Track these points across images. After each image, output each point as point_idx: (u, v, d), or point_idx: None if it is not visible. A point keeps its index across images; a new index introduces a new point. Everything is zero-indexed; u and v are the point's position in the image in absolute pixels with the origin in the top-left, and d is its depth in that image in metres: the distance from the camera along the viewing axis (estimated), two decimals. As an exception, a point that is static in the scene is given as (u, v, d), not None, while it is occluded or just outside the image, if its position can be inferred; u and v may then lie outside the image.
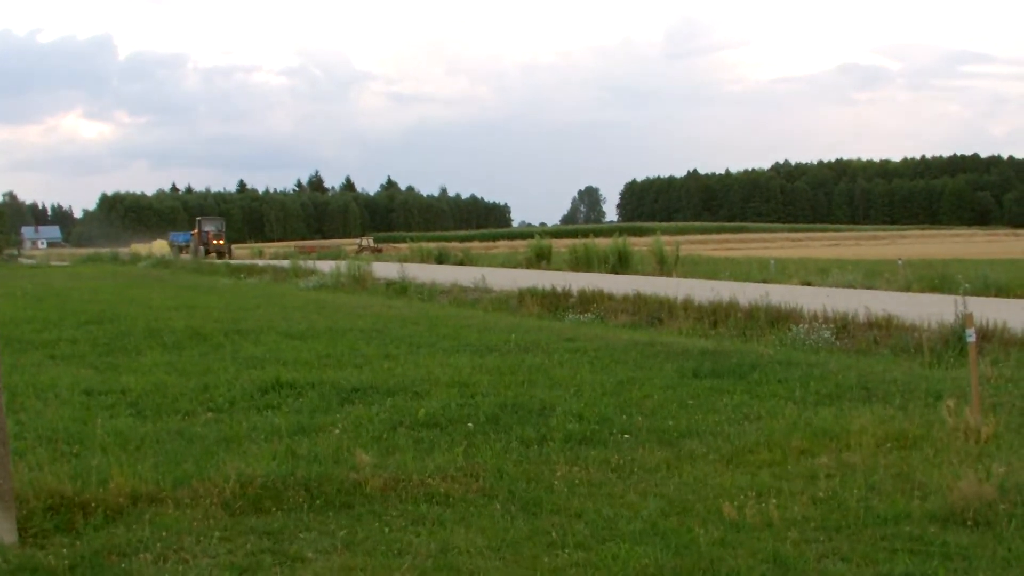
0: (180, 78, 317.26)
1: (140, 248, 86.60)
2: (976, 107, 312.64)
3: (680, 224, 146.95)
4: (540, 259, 40.62)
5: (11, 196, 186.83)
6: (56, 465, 7.17)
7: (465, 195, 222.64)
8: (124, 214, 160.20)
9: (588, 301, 20.28)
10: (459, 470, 7.30)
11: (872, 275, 26.58)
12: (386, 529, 6.14)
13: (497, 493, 6.87)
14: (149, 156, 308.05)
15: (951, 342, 12.86)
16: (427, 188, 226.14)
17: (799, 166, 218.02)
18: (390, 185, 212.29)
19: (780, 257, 43.41)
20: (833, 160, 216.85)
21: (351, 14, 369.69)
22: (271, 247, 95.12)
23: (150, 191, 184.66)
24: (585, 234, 75.85)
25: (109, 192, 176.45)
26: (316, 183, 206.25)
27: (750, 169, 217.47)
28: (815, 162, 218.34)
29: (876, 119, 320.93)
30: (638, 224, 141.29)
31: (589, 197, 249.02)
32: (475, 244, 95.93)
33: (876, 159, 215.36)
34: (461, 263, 46.35)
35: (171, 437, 8.49)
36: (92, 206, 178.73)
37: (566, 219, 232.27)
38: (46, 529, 6.10)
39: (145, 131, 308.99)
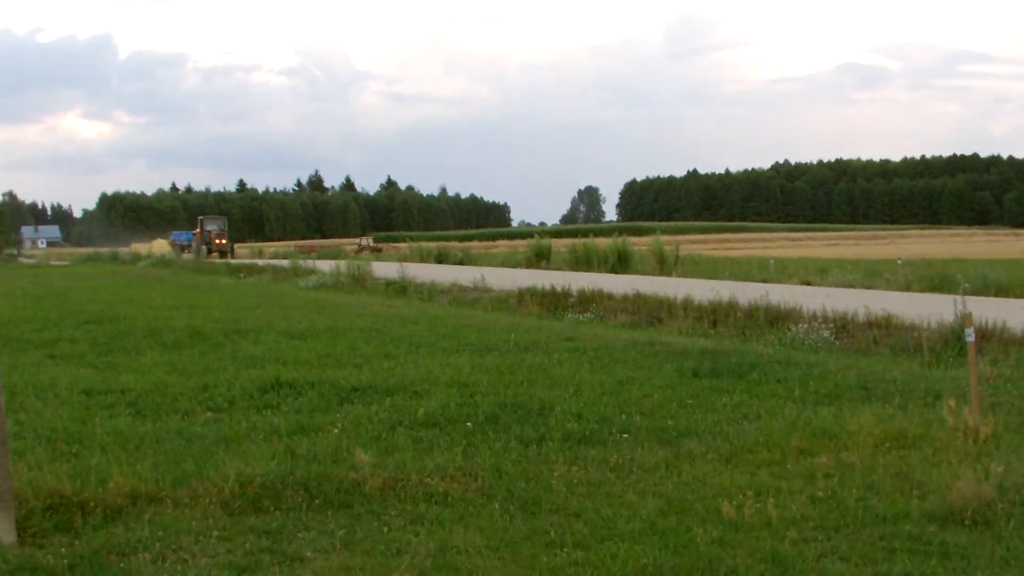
0: (180, 78, 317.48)
1: (140, 248, 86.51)
2: (976, 107, 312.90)
3: (680, 224, 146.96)
4: (540, 259, 40.59)
5: (11, 196, 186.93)
6: (55, 465, 7.17)
7: (465, 195, 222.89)
8: (124, 214, 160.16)
9: (588, 301, 20.28)
10: (458, 470, 7.30)
11: (872, 275, 26.57)
12: (385, 528, 6.15)
13: (496, 492, 6.87)
14: (149, 156, 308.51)
15: (950, 342, 12.86)
16: (427, 188, 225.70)
17: (799, 166, 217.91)
18: (390, 185, 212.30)
19: (780, 257, 43.36)
20: (833, 160, 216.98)
21: (351, 14, 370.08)
22: (271, 247, 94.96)
23: (150, 191, 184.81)
24: (585, 234, 76.00)
25: (109, 192, 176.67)
26: (316, 183, 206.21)
27: (750, 169, 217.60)
28: (815, 162, 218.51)
29: (876, 119, 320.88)
30: (638, 224, 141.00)
31: (589, 197, 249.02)
32: (475, 244, 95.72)
33: (876, 159, 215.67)
34: (461, 263, 46.32)
35: (170, 437, 8.49)
36: (92, 206, 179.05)
37: (566, 219, 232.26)
38: (45, 529, 6.10)
39: (145, 131, 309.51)
